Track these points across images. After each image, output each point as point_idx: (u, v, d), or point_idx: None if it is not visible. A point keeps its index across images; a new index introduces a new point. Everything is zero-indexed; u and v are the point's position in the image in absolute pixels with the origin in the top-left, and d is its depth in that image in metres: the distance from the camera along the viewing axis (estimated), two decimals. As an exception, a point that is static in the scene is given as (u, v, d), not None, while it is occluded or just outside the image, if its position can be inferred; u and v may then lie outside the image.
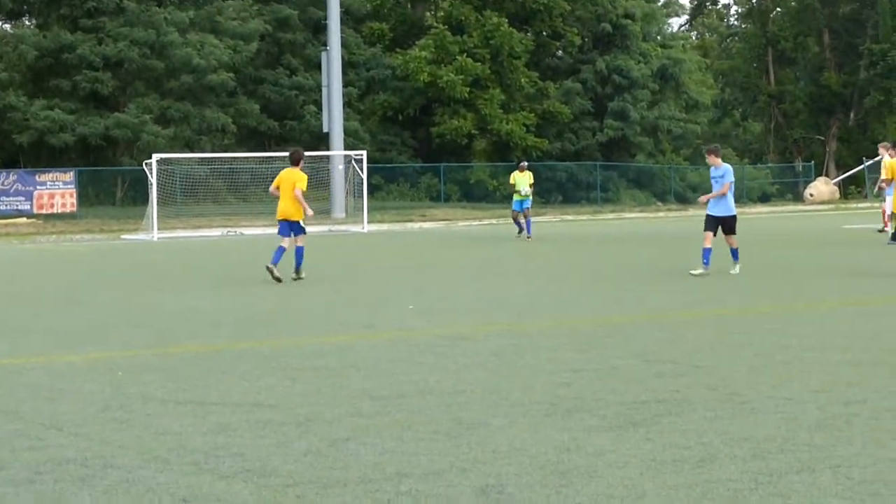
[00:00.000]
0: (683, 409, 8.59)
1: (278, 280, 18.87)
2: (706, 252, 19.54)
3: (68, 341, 12.89)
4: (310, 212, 20.14)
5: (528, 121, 62.58)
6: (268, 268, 19.18)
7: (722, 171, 19.86)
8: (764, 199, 71.03)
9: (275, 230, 20.79)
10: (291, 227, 19.67)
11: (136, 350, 12.04)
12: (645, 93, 69.15)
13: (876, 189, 20.28)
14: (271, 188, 20.25)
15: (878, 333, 12.53)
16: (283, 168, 20.41)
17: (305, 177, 20.08)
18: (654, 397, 9.02)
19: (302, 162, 20.37)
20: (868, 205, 52.79)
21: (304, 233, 20.03)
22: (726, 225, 19.86)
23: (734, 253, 19.94)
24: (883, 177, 20.19)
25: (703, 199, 20.73)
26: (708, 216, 19.95)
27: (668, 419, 8.24)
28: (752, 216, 52.18)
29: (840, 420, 8.17)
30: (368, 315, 14.84)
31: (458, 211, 51.98)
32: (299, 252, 19.68)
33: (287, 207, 19.68)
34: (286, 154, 21.82)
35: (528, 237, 32.20)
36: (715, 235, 19.73)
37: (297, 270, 19.67)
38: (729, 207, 19.95)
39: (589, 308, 15.55)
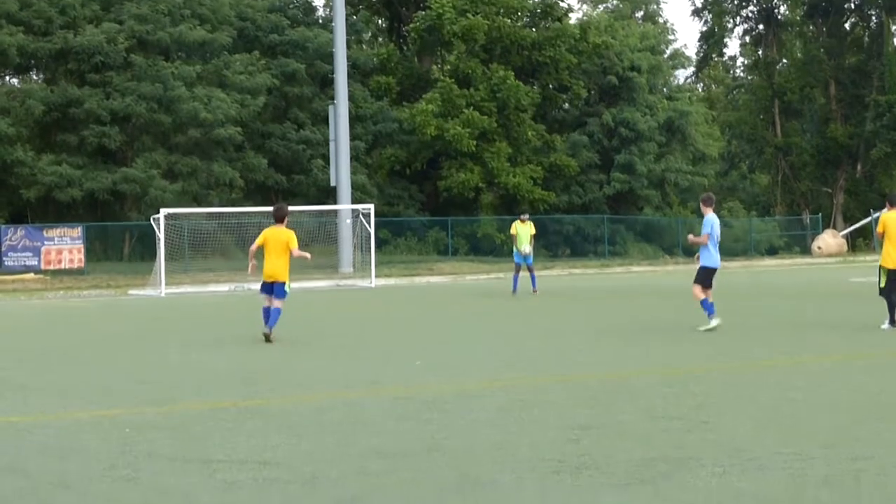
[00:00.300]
0: (691, 465, 8.60)
1: (267, 337, 18.55)
2: (706, 303, 19.64)
3: (75, 398, 12.92)
4: (309, 256, 19.92)
5: (535, 174, 62.68)
6: (264, 334, 18.59)
7: (704, 221, 20.01)
8: (772, 251, 70.98)
9: None
10: (274, 288, 18.95)
11: (143, 407, 12.06)
12: (652, 145, 69.32)
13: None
14: (252, 247, 19.47)
15: (885, 388, 12.53)
16: (280, 222, 19.35)
17: (293, 234, 19.22)
18: (661, 454, 9.03)
19: (287, 219, 19.47)
20: (876, 258, 52.69)
21: (285, 296, 19.15)
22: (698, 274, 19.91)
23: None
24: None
25: (690, 238, 20.94)
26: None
27: (677, 476, 8.26)
28: (760, 269, 52.18)
29: (848, 476, 8.18)
30: (375, 371, 14.85)
31: (465, 265, 52.00)
32: (277, 312, 18.89)
33: (274, 268, 18.94)
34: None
35: (534, 291, 32.07)
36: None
37: (270, 328, 18.79)
38: (705, 258, 19.91)
39: (596, 363, 15.55)
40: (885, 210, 20.41)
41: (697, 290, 19.81)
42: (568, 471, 8.50)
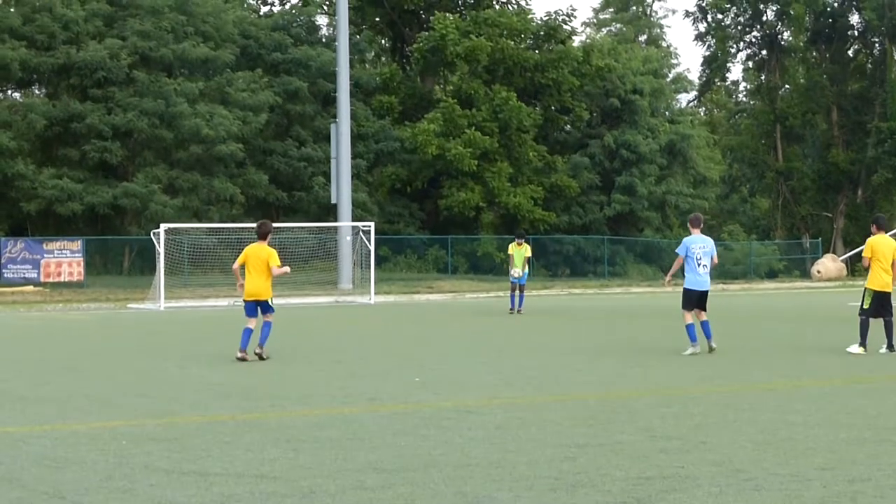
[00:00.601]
0: (688, 485, 8.60)
1: (243, 360, 18.13)
2: (690, 328, 19.57)
3: (73, 410, 12.92)
4: (288, 270, 19.34)
5: (536, 194, 62.76)
6: (238, 358, 18.19)
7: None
8: (771, 275, 70.98)
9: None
10: (259, 306, 18.70)
11: (141, 419, 12.06)
12: (653, 167, 69.41)
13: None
14: (235, 265, 19.23)
15: (883, 412, 12.53)
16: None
17: (275, 252, 18.86)
18: (659, 473, 9.03)
19: (270, 236, 19.15)
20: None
21: (273, 311, 18.94)
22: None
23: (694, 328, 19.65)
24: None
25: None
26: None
27: (673, 496, 8.26)
28: (759, 292, 52.16)
29: (845, 498, 8.18)
30: (373, 387, 14.85)
31: (465, 283, 52.01)
32: (267, 327, 18.70)
33: (257, 287, 18.59)
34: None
35: (520, 311, 32.06)
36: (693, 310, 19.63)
37: (261, 345, 18.52)
38: (686, 280, 19.79)
39: (594, 382, 15.54)
40: (873, 233, 20.38)
41: (684, 312, 19.80)
42: (564, 488, 8.50)
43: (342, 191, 48.08)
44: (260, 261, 18.53)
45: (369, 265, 41.28)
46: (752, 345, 21.39)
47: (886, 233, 20.54)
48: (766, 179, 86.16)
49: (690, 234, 19.84)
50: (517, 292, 32.38)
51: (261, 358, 18.29)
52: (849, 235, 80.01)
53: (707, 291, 19.68)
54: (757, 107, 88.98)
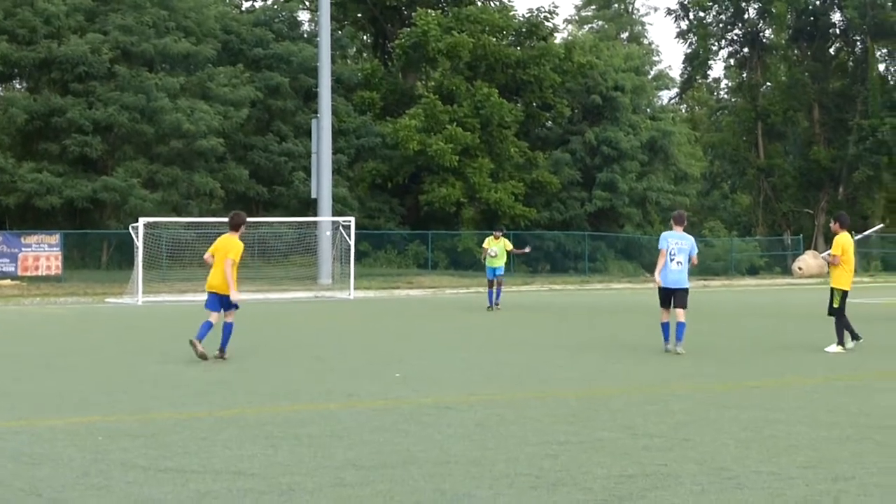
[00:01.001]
0: (670, 483, 8.54)
1: (203, 357, 17.10)
2: (664, 327, 19.45)
3: (49, 405, 12.79)
4: (235, 294, 17.72)
5: (517, 190, 62.83)
6: (191, 342, 17.36)
7: None
8: (752, 271, 71.13)
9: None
10: (221, 301, 17.75)
11: (118, 415, 11.95)
12: (634, 164, 69.51)
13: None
14: (206, 255, 18.05)
15: (866, 409, 12.49)
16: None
17: (241, 246, 17.77)
18: (641, 471, 8.97)
19: (243, 228, 18.05)
20: (857, 279, 52.78)
21: (236, 307, 17.95)
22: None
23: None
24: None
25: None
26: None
27: (655, 493, 8.19)
28: (740, 288, 52.24)
29: (828, 497, 8.12)
30: (352, 383, 14.76)
31: (445, 278, 51.99)
32: (227, 329, 17.75)
33: (217, 278, 17.70)
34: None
35: (497, 306, 32.02)
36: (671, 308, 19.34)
37: (222, 350, 17.60)
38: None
39: (575, 379, 15.48)
40: (836, 231, 20.30)
41: (661, 310, 19.63)
42: (545, 486, 8.43)
43: (322, 186, 47.97)
44: (223, 253, 17.65)
45: (349, 260, 41.22)
46: (733, 342, 21.36)
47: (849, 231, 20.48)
48: (747, 176, 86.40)
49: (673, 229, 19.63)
50: (495, 287, 32.33)
51: (222, 357, 17.50)
52: (830, 232, 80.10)
53: (681, 289, 19.15)
54: (738, 104, 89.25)
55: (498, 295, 32.50)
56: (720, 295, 44.42)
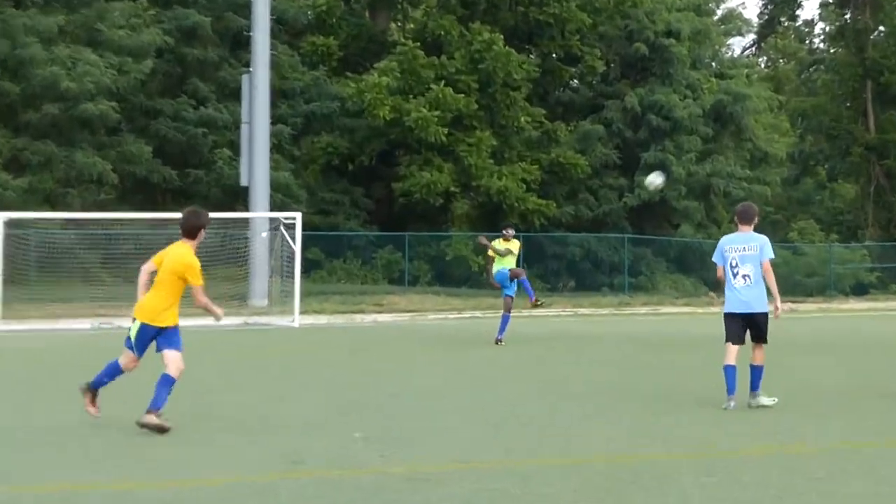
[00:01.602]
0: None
1: (96, 416, 16.20)
2: (728, 372, 18.68)
3: None
4: (220, 315, 16.96)
5: (530, 175, 62.79)
6: (82, 390, 16.30)
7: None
8: (860, 290, 71.15)
9: None
10: (155, 337, 16.18)
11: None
12: (694, 140, 69.62)
13: None
14: (145, 267, 16.38)
15: None
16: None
17: (196, 265, 16.20)
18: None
19: (202, 233, 16.55)
20: None
21: (180, 348, 16.20)
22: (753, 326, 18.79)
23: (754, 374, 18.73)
24: None
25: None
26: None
27: None
28: (842, 314, 52.33)
29: None
30: (296, 446, 14.78)
31: (427, 298, 52.08)
32: (167, 383, 15.94)
33: (153, 304, 16.16)
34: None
35: (499, 340, 31.44)
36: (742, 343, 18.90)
37: (156, 410, 15.70)
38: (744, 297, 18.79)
39: (605, 440, 15.50)
40: None
41: (726, 346, 19.04)
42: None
43: (256, 169, 48.00)
44: (171, 271, 16.12)
45: (292, 273, 41.24)
46: (829, 388, 21.38)
47: None
48: (851, 157, 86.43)
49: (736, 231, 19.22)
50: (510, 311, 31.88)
51: (160, 430, 15.52)
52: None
53: (756, 315, 18.66)
54: (839, 56, 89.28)
55: (528, 289, 32.22)
56: (815, 322, 44.48)
